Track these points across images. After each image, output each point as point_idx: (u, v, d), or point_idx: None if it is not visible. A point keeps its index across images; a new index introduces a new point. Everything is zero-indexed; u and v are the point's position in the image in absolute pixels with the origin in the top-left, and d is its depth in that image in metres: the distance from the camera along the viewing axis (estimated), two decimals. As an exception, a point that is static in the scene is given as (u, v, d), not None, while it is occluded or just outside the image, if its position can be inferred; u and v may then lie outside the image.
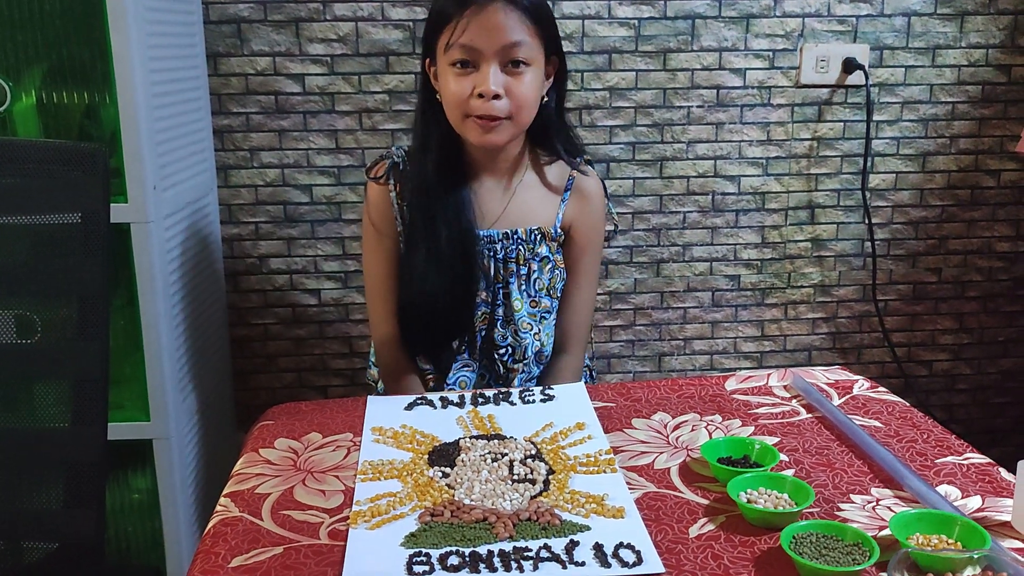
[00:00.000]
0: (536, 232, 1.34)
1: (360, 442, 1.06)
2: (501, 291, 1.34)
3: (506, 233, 1.33)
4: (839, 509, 0.90)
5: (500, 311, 1.34)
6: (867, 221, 2.01)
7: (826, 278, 2.06)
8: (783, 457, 1.00)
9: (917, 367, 2.13)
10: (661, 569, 0.79)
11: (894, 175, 2.02)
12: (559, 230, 1.36)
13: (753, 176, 1.98)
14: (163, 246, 1.52)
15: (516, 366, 1.35)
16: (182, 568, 1.59)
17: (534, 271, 1.35)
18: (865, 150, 1.96)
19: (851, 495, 0.93)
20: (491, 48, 1.21)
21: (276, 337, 1.94)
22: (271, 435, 1.09)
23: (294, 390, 1.96)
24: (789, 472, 0.97)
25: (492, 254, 1.34)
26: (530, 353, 1.35)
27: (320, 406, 1.18)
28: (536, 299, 1.35)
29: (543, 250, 1.35)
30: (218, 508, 0.91)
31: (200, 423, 1.71)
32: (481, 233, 1.33)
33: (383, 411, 1.15)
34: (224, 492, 0.95)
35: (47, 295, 1.11)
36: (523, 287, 1.34)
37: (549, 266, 1.36)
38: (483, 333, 1.36)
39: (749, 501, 0.88)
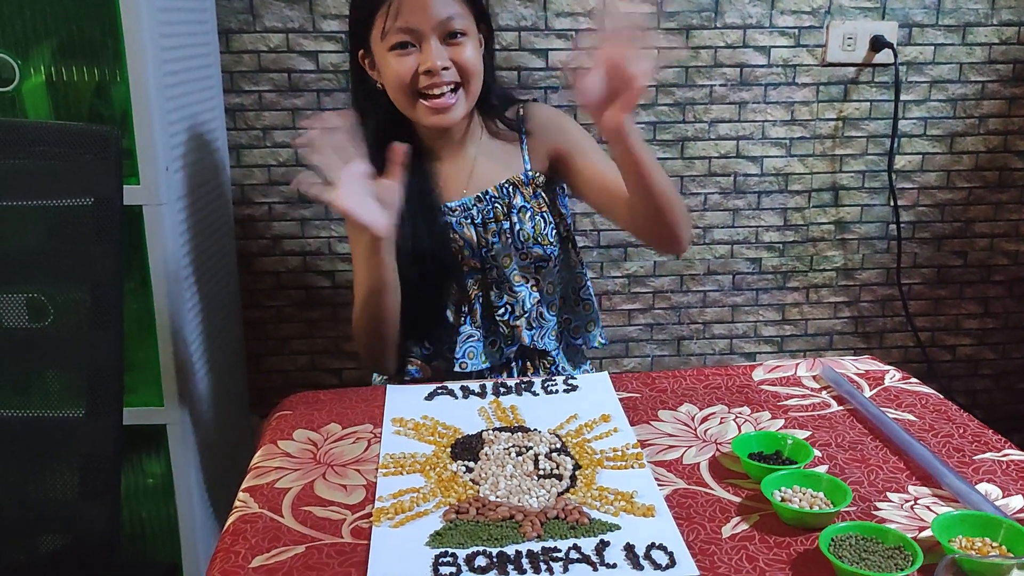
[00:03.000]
0: (507, 185, 1.33)
1: (380, 434, 1.04)
2: (488, 254, 1.32)
3: (478, 196, 1.33)
4: (876, 508, 0.87)
5: (491, 273, 1.33)
6: (892, 203, 1.97)
7: (849, 261, 2.02)
8: (817, 453, 0.97)
9: (940, 352, 2.09)
10: (695, 572, 0.77)
11: (920, 156, 1.98)
12: (531, 173, 1.34)
13: (776, 157, 1.94)
14: (176, 228, 1.49)
15: (518, 323, 1.33)
16: (196, 553, 1.58)
17: (516, 223, 1.32)
18: (892, 131, 1.92)
19: (888, 493, 0.90)
20: (428, 24, 1.22)
21: (290, 319, 1.92)
22: (289, 426, 1.06)
23: (308, 373, 1.94)
24: (823, 469, 0.95)
25: (470, 221, 1.33)
26: (528, 306, 1.33)
27: (338, 395, 1.15)
28: (525, 251, 1.32)
29: (519, 200, 1.33)
30: (237, 503, 0.89)
31: (214, 407, 1.69)
32: (453, 204, 1.33)
33: (403, 401, 1.13)
34: (243, 486, 0.93)
35: (59, 281, 1.09)
36: (508, 243, 1.32)
37: (529, 214, 1.33)
38: (480, 299, 1.34)
39: (784, 500, 0.86)
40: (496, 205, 1.33)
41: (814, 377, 1.20)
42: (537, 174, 1.35)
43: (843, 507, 0.83)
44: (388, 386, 1.17)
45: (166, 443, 1.55)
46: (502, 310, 1.34)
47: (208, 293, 1.67)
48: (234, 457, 1.77)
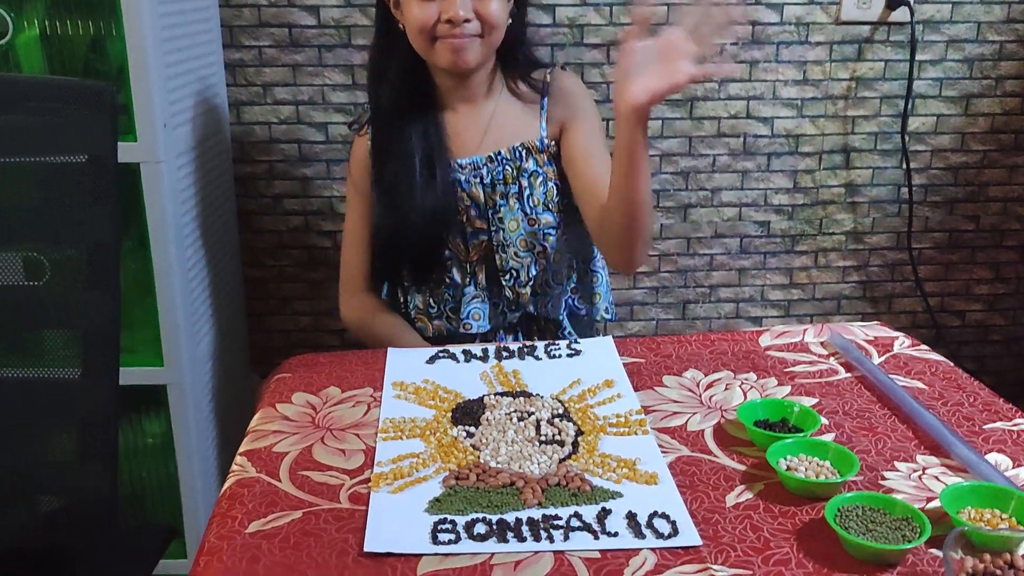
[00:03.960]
0: (520, 148, 1.30)
1: (380, 398, 1.03)
2: (495, 216, 1.30)
3: (490, 156, 1.30)
4: (883, 478, 0.86)
5: (497, 236, 1.31)
6: (905, 166, 1.94)
7: (859, 225, 2.00)
8: (823, 421, 0.96)
9: (949, 317, 2.07)
10: (698, 541, 0.76)
11: (935, 118, 1.94)
12: (546, 140, 1.31)
13: (787, 118, 1.90)
14: (174, 186, 1.47)
15: (523, 290, 1.31)
16: (198, 513, 1.58)
17: (525, 188, 1.30)
18: (907, 91, 1.88)
19: (895, 462, 0.89)
20: None
21: (291, 279, 1.90)
22: (288, 389, 1.05)
23: (310, 333, 1.93)
24: (829, 437, 0.93)
25: (479, 180, 1.30)
26: (534, 273, 1.31)
27: (339, 358, 1.14)
28: (533, 216, 1.30)
29: (531, 165, 1.30)
30: (234, 467, 0.88)
31: (214, 367, 1.69)
32: (464, 162, 1.31)
33: (404, 364, 1.11)
34: (240, 450, 0.92)
35: (55, 240, 1.07)
36: (516, 207, 1.29)
37: (540, 179, 1.31)
38: (485, 262, 1.32)
39: (789, 469, 0.85)
40: (507, 167, 1.30)
41: (822, 343, 1.18)
42: (551, 142, 1.32)
43: (850, 477, 0.82)
44: (389, 349, 1.16)
45: (166, 403, 1.54)
46: (507, 275, 1.32)
47: (208, 252, 1.66)
48: (235, 417, 1.77)
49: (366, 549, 0.74)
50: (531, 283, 1.32)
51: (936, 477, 0.86)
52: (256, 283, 1.90)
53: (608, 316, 1.43)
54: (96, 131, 1.02)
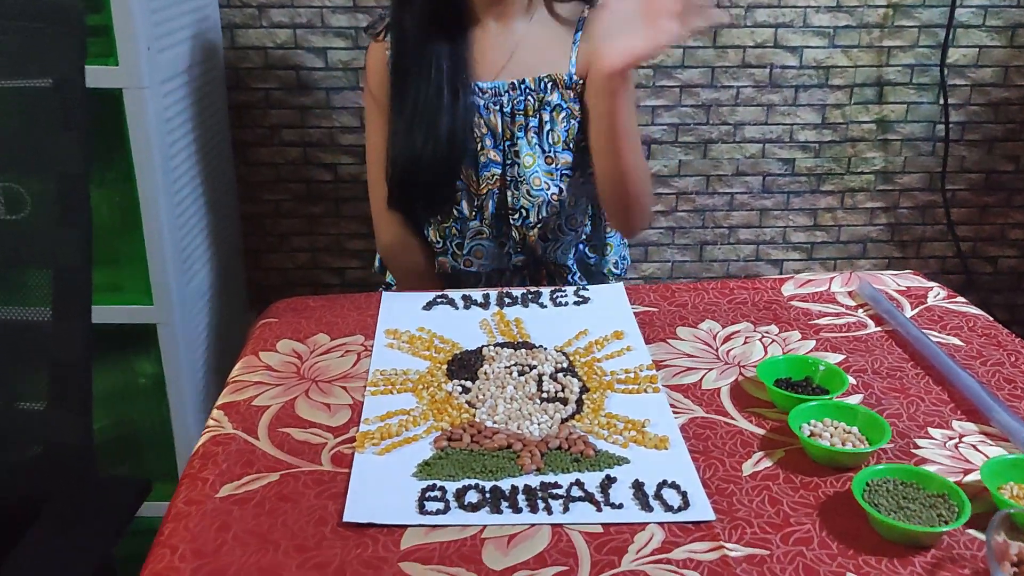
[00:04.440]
0: (546, 80, 1.21)
1: (372, 347, 0.96)
2: (511, 149, 1.21)
3: (512, 84, 1.21)
4: (916, 446, 0.79)
5: (511, 171, 1.22)
6: (942, 101, 1.82)
7: (890, 164, 1.89)
8: (851, 380, 0.88)
9: (981, 263, 1.98)
10: (711, 516, 0.69)
11: (977, 50, 1.81)
12: (574, 76, 1.22)
13: (817, 48, 1.79)
14: (161, 115, 1.39)
15: (531, 232, 1.22)
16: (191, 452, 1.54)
17: (546, 123, 1.21)
18: (948, 20, 1.76)
19: (929, 429, 0.82)
20: None
21: (289, 215, 1.83)
22: (274, 335, 0.99)
23: (308, 271, 1.86)
24: (857, 399, 0.86)
25: (499, 108, 1.21)
26: (544, 214, 1.22)
27: (330, 302, 1.07)
28: (551, 154, 1.21)
29: (555, 98, 1.21)
30: (210, 422, 0.82)
31: (209, 305, 1.63)
32: (485, 86, 1.21)
33: (399, 310, 1.04)
34: (218, 402, 0.86)
35: (25, 171, 0.99)
36: (534, 141, 1.21)
37: (563, 115, 1.22)
38: (495, 196, 1.23)
39: (812, 435, 0.78)
40: (530, 98, 1.21)
41: (849, 293, 1.10)
42: (579, 80, 1.23)
43: (880, 446, 0.75)
44: (384, 293, 1.09)
45: (157, 343, 1.49)
46: (516, 214, 1.23)
47: (200, 185, 1.58)
48: (230, 355, 1.71)
49: (345, 519, 0.68)
50: (540, 225, 1.23)
51: (974, 446, 0.79)
52: (252, 219, 1.83)
53: (617, 271, 1.36)
54: (62, 52, 0.94)
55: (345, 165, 1.79)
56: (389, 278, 1.37)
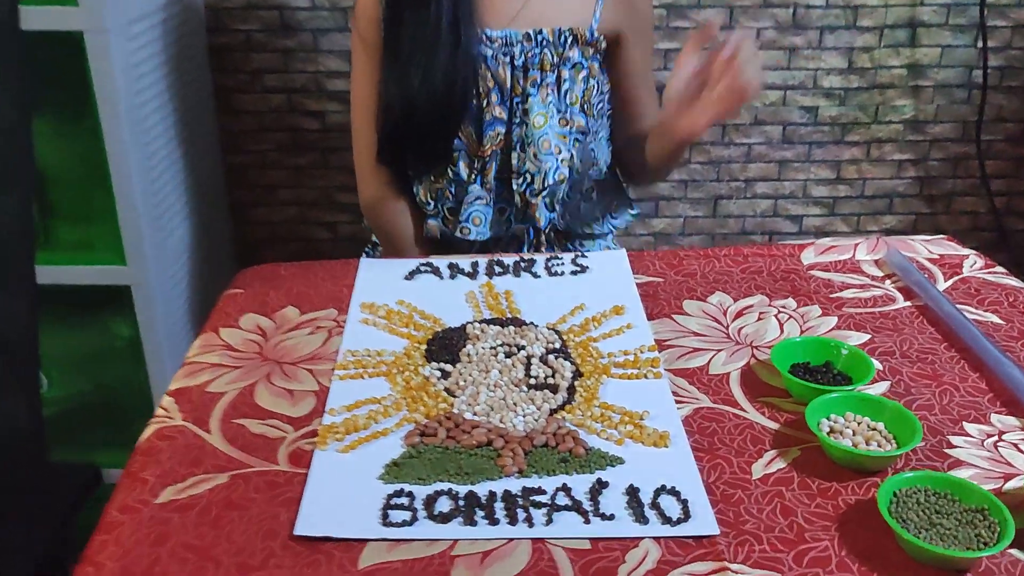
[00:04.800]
0: (567, 33, 1.10)
1: (345, 323, 0.88)
2: (520, 106, 1.11)
3: (527, 34, 1.10)
4: (949, 445, 0.70)
5: (518, 131, 1.12)
6: (981, 44, 1.70)
7: (921, 112, 1.78)
8: (877, 366, 0.80)
9: (1017, 220, 1.87)
10: (714, 530, 0.61)
11: (1020, -14, 1.68)
12: (596, 33, 1.12)
13: (845, -16, 1.66)
14: (127, 60, 1.29)
15: (535, 199, 1.13)
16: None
17: (565, 80, 1.11)
18: (990, -46, 1.62)
19: (964, 424, 0.73)
20: None
21: (274, 166, 1.74)
22: (237, 309, 0.91)
23: (297, 226, 1.78)
24: (883, 386, 0.78)
25: (509, 59, 1.10)
26: (551, 180, 1.12)
27: (303, 270, 0.99)
28: (567, 116, 1.11)
29: (575, 55, 1.11)
30: (158, 411, 0.75)
31: (190, 263, 1.55)
32: (494, 34, 1.10)
33: (377, 280, 0.96)
34: (170, 387, 0.78)
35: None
36: (549, 100, 1.10)
37: (583, 74, 1.12)
38: (498, 158, 1.13)
39: (832, 432, 0.70)
40: (546, 52, 1.10)
41: (876, 262, 1.01)
42: (601, 38, 1.12)
43: (909, 448, 0.66)
44: (362, 260, 1.00)
45: (132, 305, 1.41)
46: (521, 179, 1.13)
47: (176, 136, 1.49)
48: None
49: (296, 532, 0.61)
50: (546, 192, 1.13)
51: (1016, 445, 0.71)
52: (236, 170, 1.74)
53: (625, 223, 1.26)
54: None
55: (333, 113, 1.69)
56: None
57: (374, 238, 1.28)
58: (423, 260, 0.99)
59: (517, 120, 1.11)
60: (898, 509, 0.61)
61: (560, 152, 1.11)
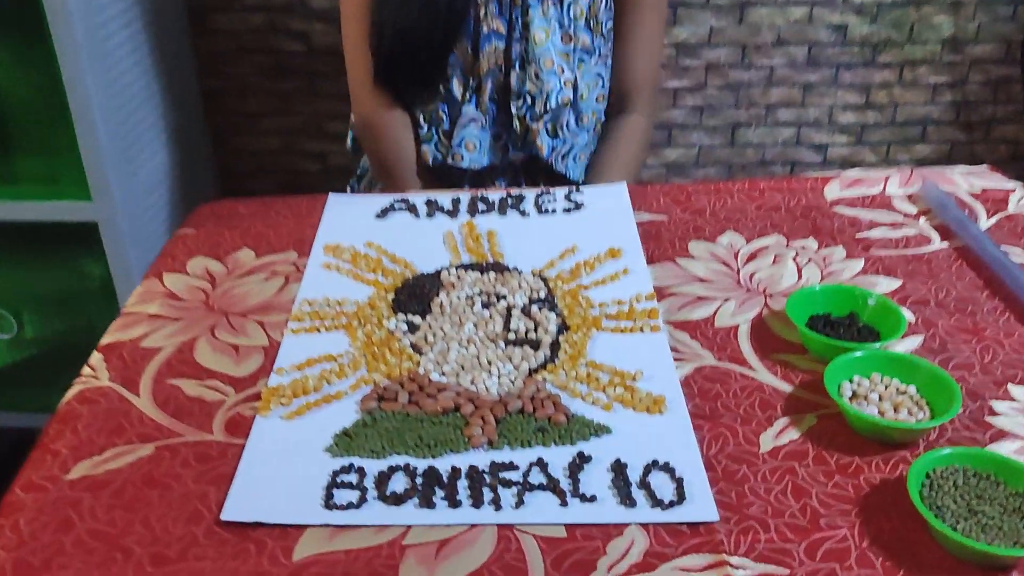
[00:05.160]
0: None
1: (306, 267, 0.79)
2: (520, 20, 1.00)
3: None
4: (991, 412, 0.61)
5: (518, 48, 1.01)
6: (1029, -47, 1.55)
7: (960, 31, 1.64)
8: (909, 318, 0.70)
9: (1060, 149, 1.75)
10: (713, 516, 0.53)
11: None
12: None
13: None
14: (83, -27, 1.18)
15: (535, 124, 1.02)
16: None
17: None
18: None
19: (1009, 386, 0.64)
20: None
21: (256, 91, 1.63)
22: (186, 251, 0.82)
23: (283, 156, 1.68)
24: (916, 341, 0.68)
25: None
26: (554, 103, 1.01)
27: (264, 207, 0.90)
28: (571, 31, 1.01)
29: None
30: (84, 371, 0.66)
31: (167, 196, 1.46)
32: None
33: (346, 219, 0.86)
34: (101, 342, 0.70)
35: None
36: (551, 13, 0.99)
37: None
38: (495, 77, 1.03)
39: (856, 397, 0.60)
40: None
41: (909, 196, 0.90)
42: None
43: (947, 418, 0.57)
44: (331, 196, 0.91)
45: (100, 243, 1.33)
46: (520, 100, 1.02)
47: (144, 60, 1.38)
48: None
49: (223, 517, 0.53)
50: (548, 117, 1.02)
51: (1070, 412, 0.61)
52: (215, 96, 1.63)
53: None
54: None
55: (320, 34, 1.58)
56: (363, 164, 1.18)
57: (359, 170, 1.19)
58: (398, 196, 0.90)
59: (517, 35, 1.00)
60: (932, 494, 0.52)
61: (563, 72, 1.01)
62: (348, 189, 1.20)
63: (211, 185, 1.67)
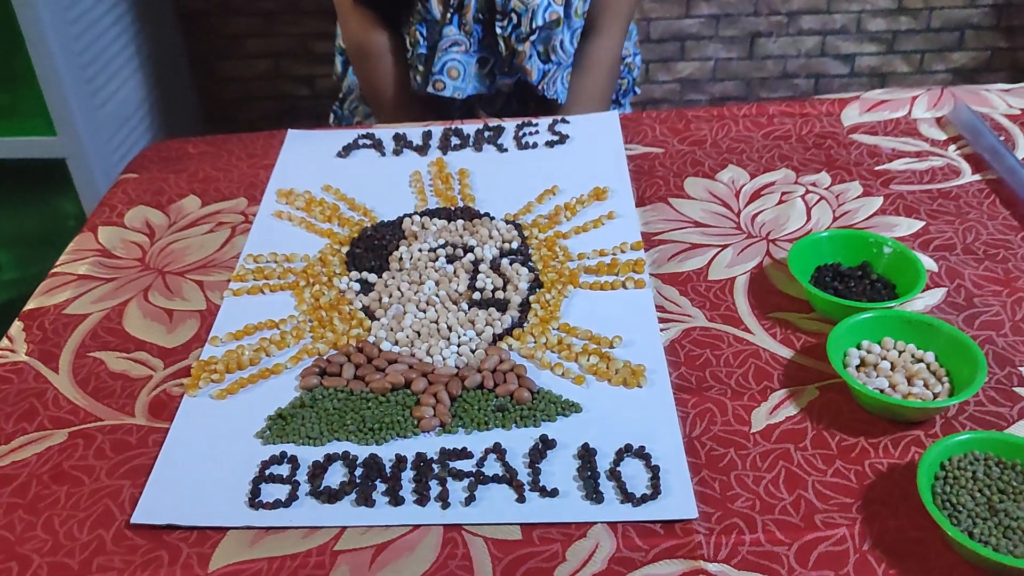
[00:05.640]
0: None
1: (255, 216, 0.72)
2: None
3: None
4: (1021, 381, 0.54)
5: None
6: None
7: (1005, -77, 1.50)
8: (931, 267, 0.62)
9: (1113, 54, 1.61)
10: (692, 513, 0.46)
11: None
12: None
13: None
14: None
15: (522, 46, 0.93)
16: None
17: None
18: None
19: (1043, 349, 0.56)
20: None
21: (239, 12, 1.53)
22: (126, 200, 0.75)
23: (271, 81, 1.60)
24: (938, 296, 0.60)
25: None
26: (541, 21, 0.91)
27: (215, 147, 0.82)
28: None
29: None
30: (2, 343, 0.60)
31: (143, 129, 1.38)
32: None
33: (303, 159, 0.79)
34: (24, 309, 0.63)
35: None
36: None
37: None
38: None
39: (864, 366, 0.53)
40: None
41: (938, 120, 0.81)
42: None
43: (968, 395, 0.50)
44: (289, 132, 0.83)
45: (71, 180, 1.27)
46: (506, 20, 0.92)
47: (108, -21, 1.29)
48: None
49: (134, 520, 0.47)
50: (537, 36, 0.93)
51: (1113, 381, 0.53)
52: (193, 18, 1.54)
53: (621, 105, 1.06)
54: None
55: (300, -55, 1.47)
56: (347, 84, 1.10)
57: (342, 92, 1.10)
58: (363, 131, 0.82)
59: None
60: (946, 488, 0.45)
61: None
62: (332, 115, 1.12)
63: (193, 116, 1.59)
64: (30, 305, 0.63)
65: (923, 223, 0.67)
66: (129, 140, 1.34)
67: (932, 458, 0.46)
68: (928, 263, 0.62)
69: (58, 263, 0.68)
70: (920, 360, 0.53)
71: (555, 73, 0.98)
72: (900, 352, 0.54)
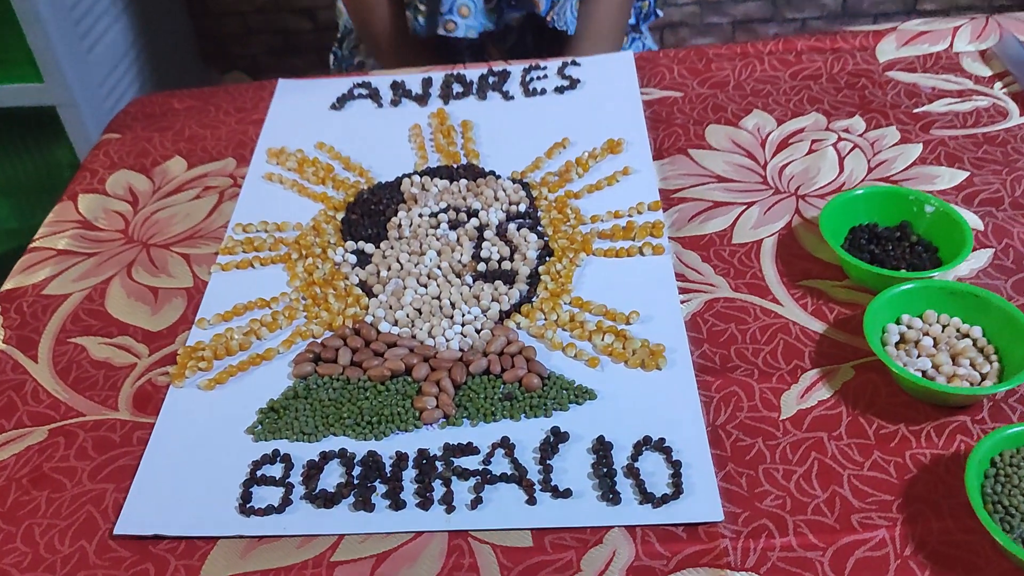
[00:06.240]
0: None
1: (244, 179, 0.67)
2: None
3: None
4: (1078, 355, 0.49)
5: None
6: None
7: None
8: (978, 225, 0.57)
9: None
10: (717, 515, 0.43)
11: None
12: None
13: None
14: None
15: None
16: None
17: None
18: None
19: (1102, 317, 0.51)
20: None
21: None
22: (108, 164, 0.71)
23: (270, 15, 1.53)
24: (984, 258, 0.55)
25: None
26: None
27: (203, 100, 0.77)
28: None
29: None
30: (-23, 328, 0.57)
31: (137, 71, 1.33)
32: None
33: (295, 112, 0.74)
34: (1, 289, 0.60)
35: None
36: None
37: None
38: None
39: (904, 343, 0.49)
40: None
41: (982, 54, 0.74)
42: None
43: (1018, 382, 0.46)
44: (280, 83, 0.78)
45: (63, 128, 1.22)
46: None
47: (90, -90, 1.22)
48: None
49: (117, 531, 0.44)
50: None
51: None
52: (184, -52, 1.47)
53: (640, 33, 0.99)
54: None
55: None
56: (345, 23, 1.04)
57: (340, 31, 1.04)
58: (359, 79, 0.76)
59: None
60: (997, 488, 0.41)
61: None
62: (331, 57, 1.06)
63: (189, 54, 1.53)
64: (7, 285, 0.60)
65: (967, 174, 0.62)
66: (122, 84, 1.29)
67: (981, 454, 0.42)
68: (973, 220, 0.57)
69: (37, 236, 0.64)
70: (966, 335, 0.49)
71: (564, 3, 0.91)
72: (944, 327, 0.50)
